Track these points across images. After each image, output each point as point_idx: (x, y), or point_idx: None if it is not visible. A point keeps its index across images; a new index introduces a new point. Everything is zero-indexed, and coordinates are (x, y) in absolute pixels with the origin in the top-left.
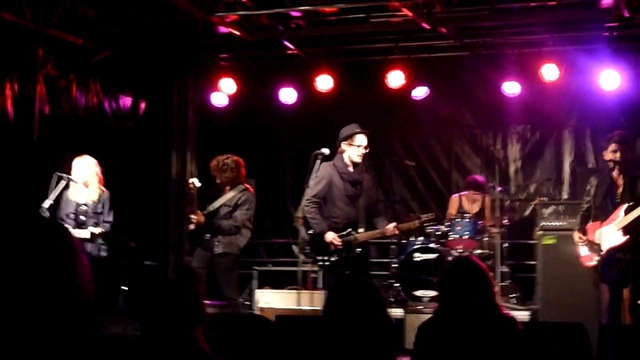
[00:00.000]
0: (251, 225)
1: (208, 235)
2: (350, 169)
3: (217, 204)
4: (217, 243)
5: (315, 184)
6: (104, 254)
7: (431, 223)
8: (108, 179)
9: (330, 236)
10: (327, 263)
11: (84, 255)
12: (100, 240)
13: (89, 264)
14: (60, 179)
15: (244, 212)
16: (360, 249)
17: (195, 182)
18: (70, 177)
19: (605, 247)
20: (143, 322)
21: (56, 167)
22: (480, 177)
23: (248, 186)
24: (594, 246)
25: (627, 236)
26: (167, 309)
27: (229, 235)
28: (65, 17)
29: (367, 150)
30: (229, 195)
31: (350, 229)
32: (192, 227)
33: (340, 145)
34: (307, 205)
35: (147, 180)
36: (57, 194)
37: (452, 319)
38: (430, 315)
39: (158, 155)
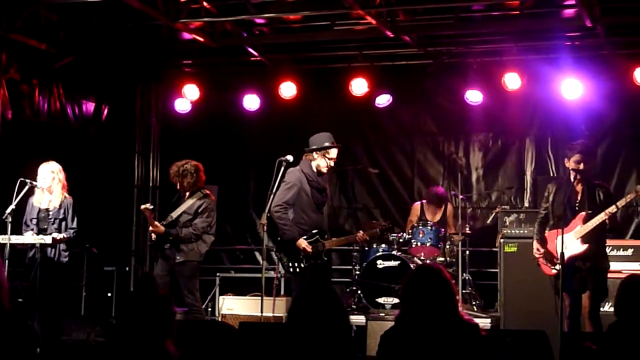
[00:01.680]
0: (213, 231)
1: (168, 245)
2: (317, 176)
3: (176, 212)
4: (178, 252)
5: (285, 190)
6: (64, 259)
7: (390, 232)
8: (71, 184)
9: (303, 243)
10: (297, 269)
11: None
12: (62, 246)
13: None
14: (24, 184)
15: (204, 219)
16: (326, 257)
17: (149, 206)
18: (33, 182)
19: (565, 256)
20: (113, 331)
21: (18, 172)
22: (441, 190)
23: (208, 191)
24: (553, 256)
25: (586, 245)
26: (139, 320)
27: (190, 243)
28: (28, 21)
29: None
30: (188, 203)
31: (317, 236)
32: (153, 237)
33: (310, 153)
34: (277, 212)
35: (109, 186)
36: (19, 199)
37: (415, 327)
38: (392, 322)
39: (121, 160)
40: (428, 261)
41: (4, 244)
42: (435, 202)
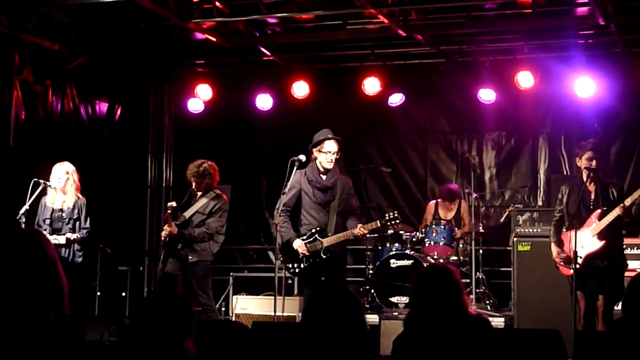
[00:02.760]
0: (224, 231)
1: (180, 245)
2: (323, 175)
3: (189, 212)
4: (190, 252)
5: (286, 193)
6: (79, 259)
7: (394, 222)
8: (85, 185)
9: (297, 244)
10: (297, 270)
11: (57, 260)
12: (76, 246)
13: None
14: (37, 185)
15: (217, 219)
16: (328, 254)
17: (174, 204)
18: (47, 182)
19: (582, 254)
20: (127, 331)
21: (32, 173)
22: (454, 186)
23: (220, 192)
24: (570, 257)
25: (603, 241)
26: (159, 319)
27: (203, 243)
28: (41, 23)
29: (338, 156)
30: (201, 202)
31: (315, 235)
32: (164, 235)
33: (312, 152)
34: (275, 215)
35: (123, 187)
36: (33, 199)
37: (425, 328)
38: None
39: (134, 161)
40: (441, 260)
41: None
42: (447, 197)
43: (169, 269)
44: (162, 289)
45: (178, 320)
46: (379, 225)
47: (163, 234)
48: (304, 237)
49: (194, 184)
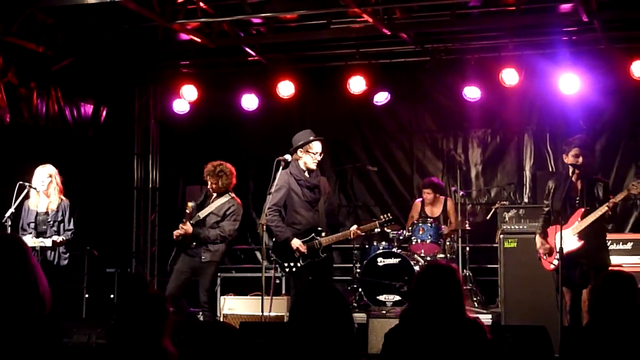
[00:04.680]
0: (236, 234)
1: (195, 243)
2: (307, 174)
3: (204, 212)
4: (204, 251)
5: (275, 193)
6: (64, 262)
7: (391, 224)
8: (71, 187)
9: (297, 243)
10: (294, 269)
11: (37, 262)
12: (61, 249)
13: (42, 271)
14: (23, 187)
15: (231, 222)
16: (325, 254)
17: (193, 204)
18: (32, 185)
19: (564, 251)
20: (112, 332)
21: (17, 175)
22: (436, 179)
23: (234, 196)
24: (552, 250)
25: (582, 241)
26: (132, 320)
27: (216, 244)
28: (25, 25)
29: (322, 156)
30: (217, 204)
31: (313, 234)
32: (178, 234)
33: (295, 152)
34: (268, 215)
35: (109, 188)
36: (17, 203)
37: (420, 325)
38: (393, 320)
39: (120, 162)
40: (429, 258)
41: (33, 247)
42: (430, 187)
43: (178, 267)
44: (132, 289)
45: (152, 320)
46: (377, 226)
47: (177, 232)
48: (300, 237)
49: (209, 184)
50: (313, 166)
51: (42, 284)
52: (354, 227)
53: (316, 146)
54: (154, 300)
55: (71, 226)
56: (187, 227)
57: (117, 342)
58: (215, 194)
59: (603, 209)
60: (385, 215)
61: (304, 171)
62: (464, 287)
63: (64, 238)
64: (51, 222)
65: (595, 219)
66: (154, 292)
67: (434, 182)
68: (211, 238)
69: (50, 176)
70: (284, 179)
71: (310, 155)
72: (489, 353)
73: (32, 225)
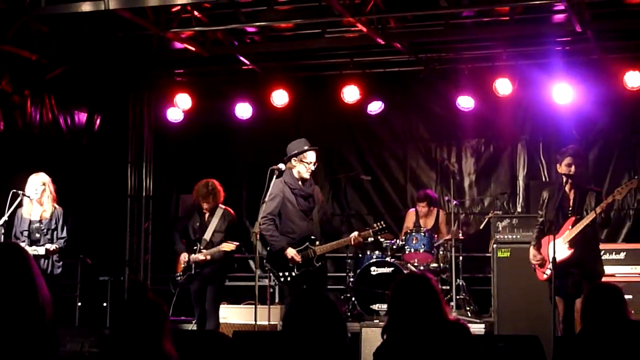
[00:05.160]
0: None
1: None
2: (300, 183)
3: (208, 234)
4: (219, 268)
5: (269, 202)
6: (58, 270)
7: (384, 232)
8: (64, 195)
9: (291, 252)
10: (288, 279)
11: (39, 271)
12: (55, 257)
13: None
14: (16, 196)
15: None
16: (319, 263)
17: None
18: (25, 193)
19: (557, 260)
20: (106, 340)
21: (10, 184)
22: (431, 191)
23: (225, 207)
24: (545, 260)
25: (572, 250)
26: (134, 326)
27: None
28: (20, 33)
29: (316, 166)
30: (215, 221)
31: (307, 243)
32: (184, 260)
33: (289, 161)
34: (263, 224)
35: (103, 196)
36: (11, 211)
37: (405, 338)
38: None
39: (114, 171)
40: (422, 267)
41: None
42: (424, 199)
43: (194, 287)
44: (132, 295)
45: (152, 324)
46: (371, 234)
47: (198, 258)
48: (295, 246)
49: (204, 206)
50: (306, 175)
51: (43, 294)
52: (355, 233)
53: (310, 156)
54: (154, 304)
55: (64, 234)
56: (204, 256)
57: (113, 350)
58: (207, 213)
59: (591, 215)
60: (378, 224)
61: (298, 180)
62: (441, 293)
63: (58, 246)
64: (44, 230)
65: (584, 226)
66: (153, 297)
67: (429, 195)
68: (222, 257)
69: (44, 184)
70: (278, 187)
71: (304, 165)
72: (476, 350)
73: (26, 233)
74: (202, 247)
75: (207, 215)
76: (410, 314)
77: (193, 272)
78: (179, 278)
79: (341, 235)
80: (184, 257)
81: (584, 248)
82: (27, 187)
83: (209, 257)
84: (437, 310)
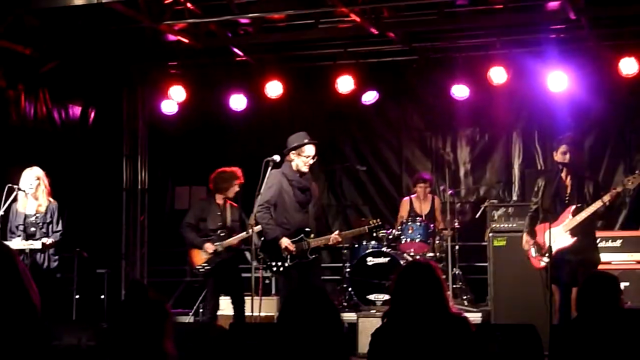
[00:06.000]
0: None
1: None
2: (298, 175)
3: (229, 222)
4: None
5: (266, 191)
6: (54, 264)
7: (380, 230)
8: (60, 189)
9: (285, 242)
10: (281, 269)
11: (26, 267)
12: (51, 251)
13: (30, 274)
14: (12, 190)
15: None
16: (313, 255)
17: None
18: (20, 188)
19: (554, 249)
20: (104, 335)
21: (6, 178)
22: (429, 175)
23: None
24: (542, 248)
25: (575, 238)
26: (134, 326)
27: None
28: (12, 27)
29: (315, 160)
30: (229, 210)
31: (302, 235)
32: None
33: (288, 154)
34: (259, 212)
35: (98, 190)
36: (6, 206)
37: (405, 324)
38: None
39: (109, 164)
40: (418, 257)
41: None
42: (427, 182)
43: (218, 276)
44: (131, 296)
45: (153, 323)
46: (366, 231)
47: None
48: (290, 237)
49: (230, 192)
50: (305, 169)
51: (33, 290)
52: (335, 233)
53: (309, 150)
54: (155, 303)
55: (60, 228)
56: (235, 241)
57: (112, 346)
58: (222, 202)
59: (598, 204)
60: (375, 221)
61: (296, 173)
62: (445, 283)
63: (54, 240)
64: (40, 224)
65: (588, 215)
66: (154, 295)
67: (429, 177)
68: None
69: (38, 179)
70: (276, 178)
71: (302, 159)
72: (474, 347)
73: (21, 227)
74: (229, 234)
75: (221, 204)
76: (412, 300)
77: (220, 260)
78: (203, 269)
79: (330, 231)
80: (208, 247)
81: (583, 237)
82: (21, 181)
83: (236, 242)
84: (438, 299)
